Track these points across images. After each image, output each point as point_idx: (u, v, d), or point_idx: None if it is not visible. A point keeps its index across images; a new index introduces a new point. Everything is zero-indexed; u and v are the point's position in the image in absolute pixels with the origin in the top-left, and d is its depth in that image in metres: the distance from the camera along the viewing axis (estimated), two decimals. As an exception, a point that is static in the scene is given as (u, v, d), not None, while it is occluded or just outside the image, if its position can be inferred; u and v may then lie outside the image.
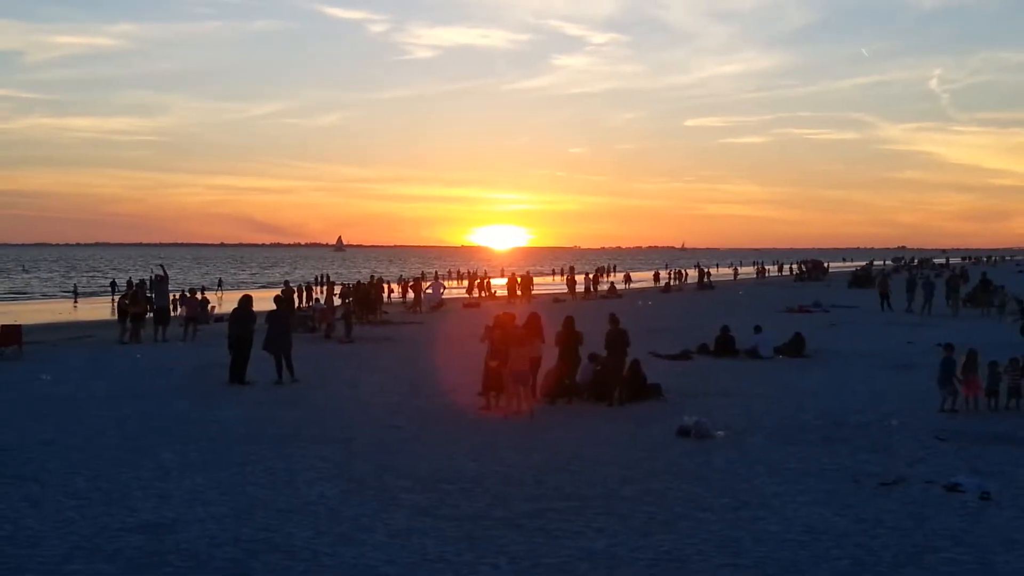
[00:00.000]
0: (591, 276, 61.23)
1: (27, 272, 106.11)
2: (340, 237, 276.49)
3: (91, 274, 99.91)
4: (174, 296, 35.57)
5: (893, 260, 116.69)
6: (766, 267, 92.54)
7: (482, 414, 14.89)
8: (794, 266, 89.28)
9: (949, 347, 15.66)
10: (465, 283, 60.23)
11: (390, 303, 39.41)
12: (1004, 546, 8.05)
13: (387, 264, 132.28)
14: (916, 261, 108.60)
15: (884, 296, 37.69)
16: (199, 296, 34.69)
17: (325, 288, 42.02)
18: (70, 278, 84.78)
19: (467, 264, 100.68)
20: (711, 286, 65.07)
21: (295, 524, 8.51)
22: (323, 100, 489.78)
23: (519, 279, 52.91)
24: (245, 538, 8.10)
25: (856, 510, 9.12)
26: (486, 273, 70.24)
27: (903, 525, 8.63)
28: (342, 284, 42.89)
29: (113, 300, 29.72)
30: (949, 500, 9.51)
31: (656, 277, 69.56)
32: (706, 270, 73.99)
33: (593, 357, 16.53)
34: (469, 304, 46.01)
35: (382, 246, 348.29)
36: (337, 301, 34.81)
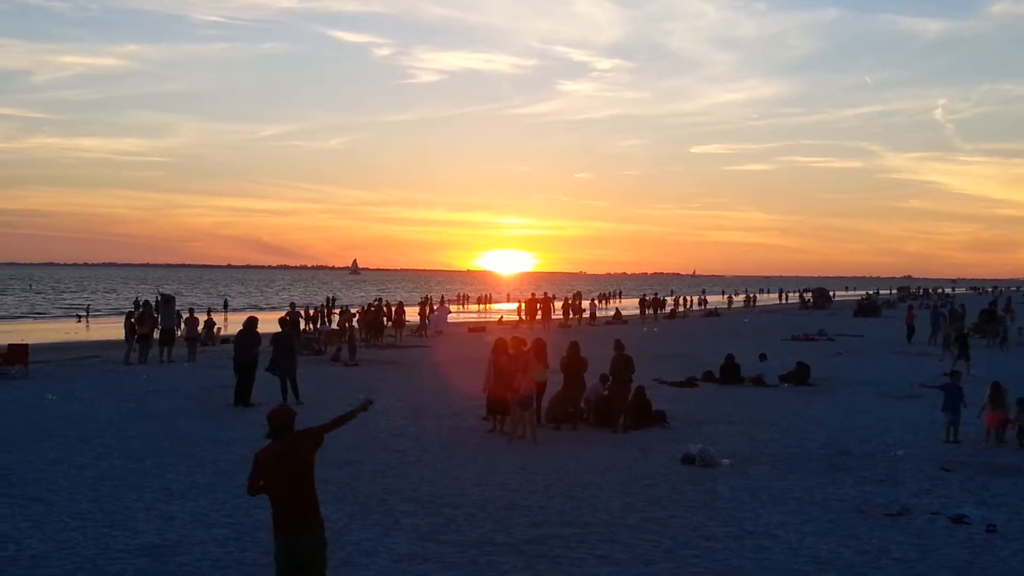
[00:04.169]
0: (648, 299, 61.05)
1: (32, 289, 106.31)
2: (355, 260, 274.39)
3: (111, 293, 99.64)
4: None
5: (899, 290, 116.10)
6: (756, 296, 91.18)
7: (486, 438, 14.88)
8: (792, 294, 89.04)
9: (955, 374, 15.60)
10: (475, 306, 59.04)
11: (402, 326, 39.19)
12: (1010, 579, 8.00)
13: (403, 287, 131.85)
14: (922, 291, 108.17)
15: (911, 327, 37.42)
16: (206, 317, 34.71)
17: (338, 311, 41.97)
18: (129, 297, 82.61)
19: (473, 288, 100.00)
20: (716, 313, 65.19)
21: (298, 547, 8.48)
22: (329, 123, 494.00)
23: (538, 302, 48.25)
24: (248, 561, 8.09)
25: (861, 541, 9.07)
26: (442, 298, 67.27)
27: (908, 557, 8.58)
28: (361, 307, 42.09)
29: (131, 317, 29.52)
30: (955, 532, 9.46)
31: (664, 303, 69.46)
32: (704, 298, 73.87)
33: (605, 378, 16.51)
34: (475, 328, 46.02)
35: (392, 269, 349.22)
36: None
